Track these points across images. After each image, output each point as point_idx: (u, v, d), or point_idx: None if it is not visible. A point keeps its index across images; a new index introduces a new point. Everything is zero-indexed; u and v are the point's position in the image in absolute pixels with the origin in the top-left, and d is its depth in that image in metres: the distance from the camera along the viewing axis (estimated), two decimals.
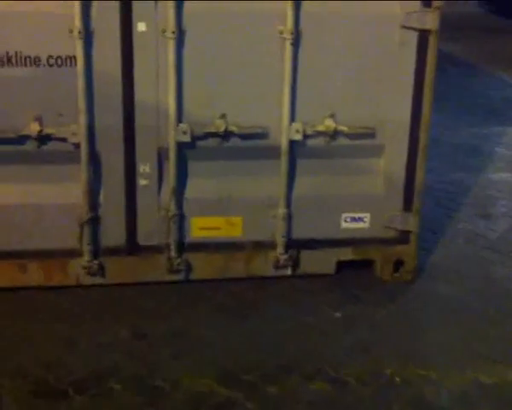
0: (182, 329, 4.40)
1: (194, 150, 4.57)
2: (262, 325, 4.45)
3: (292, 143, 4.60)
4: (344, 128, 4.61)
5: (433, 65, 4.57)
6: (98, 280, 4.72)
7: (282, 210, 4.74)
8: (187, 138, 4.48)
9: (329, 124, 4.60)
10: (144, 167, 4.55)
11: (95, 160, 4.49)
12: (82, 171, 4.46)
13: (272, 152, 4.62)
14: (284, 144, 4.59)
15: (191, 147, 4.56)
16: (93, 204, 4.55)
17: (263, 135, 4.57)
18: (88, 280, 4.71)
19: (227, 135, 4.53)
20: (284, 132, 4.57)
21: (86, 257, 4.64)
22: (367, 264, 5.06)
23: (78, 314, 4.51)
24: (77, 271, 4.69)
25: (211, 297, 4.75)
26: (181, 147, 4.52)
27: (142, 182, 4.57)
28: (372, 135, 4.69)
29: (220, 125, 4.48)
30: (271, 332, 4.39)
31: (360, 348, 4.28)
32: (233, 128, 4.50)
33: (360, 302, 4.76)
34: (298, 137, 4.58)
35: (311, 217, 4.82)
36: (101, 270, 4.70)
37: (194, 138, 4.51)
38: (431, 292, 4.94)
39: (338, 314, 4.62)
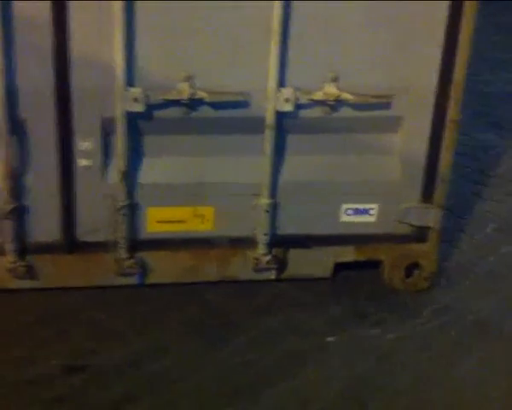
0: (139, 356, 3.38)
1: (149, 122, 3.47)
2: (236, 355, 3.42)
3: (280, 114, 3.49)
4: (349, 96, 3.49)
5: (472, 16, 3.41)
6: (28, 284, 3.67)
7: (265, 199, 3.65)
8: (139, 107, 3.36)
9: (330, 90, 3.48)
10: (84, 144, 3.45)
11: (18, 132, 3.37)
12: (1, 146, 3.34)
13: (254, 126, 3.53)
14: (270, 116, 3.47)
15: (146, 118, 3.45)
16: (17, 190, 3.45)
17: (242, 104, 3.45)
18: (14, 284, 3.65)
19: (194, 103, 3.41)
20: (270, 101, 3.45)
21: (10, 256, 3.56)
22: (372, 267, 4.00)
23: None
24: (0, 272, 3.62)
25: (179, 309, 3.71)
26: (132, 118, 3.42)
27: (81, 162, 3.48)
28: (387, 105, 3.58)
29: (184, 91, 3.37)
30: (242, 368, 3.35)
31: (357, 396, 3.23)
32: (202, 94, 3.39)
33: (361, 321, 3.72)
34: (288, 107, 3.46)
35: (303, 208, 3.77)
36: (31, 272, 3.63)
37: (150, 107, 3.39)
38: (457, 307, 3.88)
39: (330, 339, 3.57)
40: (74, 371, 3.25)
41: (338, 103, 3.51)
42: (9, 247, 3.55)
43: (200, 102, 3.41)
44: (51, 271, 3.69)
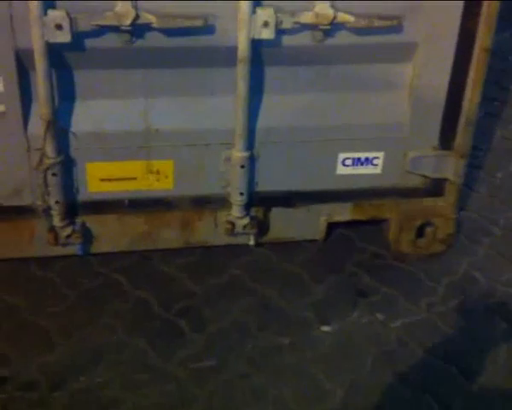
0: (63, 366, 2.62)
1: (80, 56, 2.59)
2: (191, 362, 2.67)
3: (256, 43, 2.58)
4: (348, 18, 2.58)
5: None
6: None
7: (239, 152, 2.82)
8: (64, 36, 2.45)
9: (323, 10, 2.56)
10: None
11: None
12: None
13: (222, 58, 2.65)
14: (243, 47, 2.59)
15: (75, 50, 2.54)
16: None
17: (203, 30, 2.53)
18: None
19: (138, 29, 2.50)
20: (242, 26, 2.54)
21: None
22: (374, 227, 3.21)
23: None
24: None
25: (125, 291, 2.95)
26: (56, 50, 2.51)
27: None
28: (397, 28, 2.67)
29: (125, 13, 2.45)
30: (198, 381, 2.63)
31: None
32: (148, 18, 2.47)
33: (359, 302, 2.95)
34: (267, 33, 2.57)
35: (289, 160, 2.94)
36: None
37: (79, 36, 2.49)
38: (481, 279, 3.11)
39: (326, 328, 2.83)
40: None
41: (333, 27, 2.62)
42: None
43: (147, 27, 2.51)
44: None
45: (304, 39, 2.65)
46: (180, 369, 2.63)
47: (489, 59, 2.79)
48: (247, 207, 2.98)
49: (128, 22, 2.46)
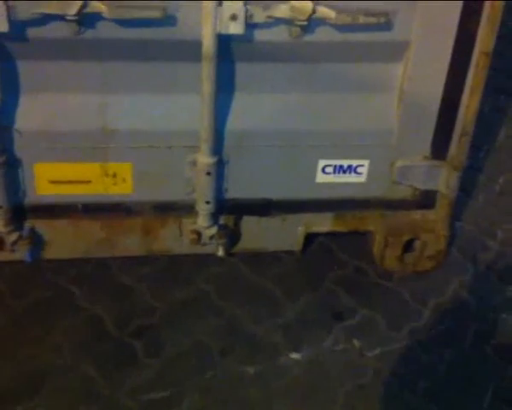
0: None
1: (22, 46, 2.27)
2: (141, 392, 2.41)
3: (224, 38, 2.26)
4: (330, 13, 2.26)
5: None
6: None
7: (204, 158, 2.51)
8: (1, 26, 2.14)
9: (301, 4, 2.23)
10: None
11: None
12: None
13: (186, 52, 2.33)
14: (207, 43, 2.27)
15: (15, 40, 2.23)
16: None
17: (163, 22, 2.22)
18: None
19: (88, 19, 2.18)
20: (207, 19, 2.21)
21: None
22: (360, 238, 2.92)
23: None
24: None
25: (78, 305, 2.68)
26: None
27: None
28: (386, 25, 2.34)
29: (72, 2, 2.13)
30: None
31: None
32: (98, 7, 2.15)
33: (334, 325, 2.68)
34: (235, 28, 2.25)
35: (262, 167, 2.62)
36: None
37: (19, 25, 2.17)
38: (473, 302, 2.81)
39: (296, 355, 2.56)
40: None
41: (313, 23, 2.29)
42: None
43: (97, 17, 2.20)
44: None
45: (279, 35, 2.33)
46: (129, 400, 2.36)
47: (489, 62, 2.46)
48: (215, 215, 2.69)
49: (73, 12, 2.15)
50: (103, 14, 2.18)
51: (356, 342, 2.60)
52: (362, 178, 2.72)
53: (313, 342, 2.60)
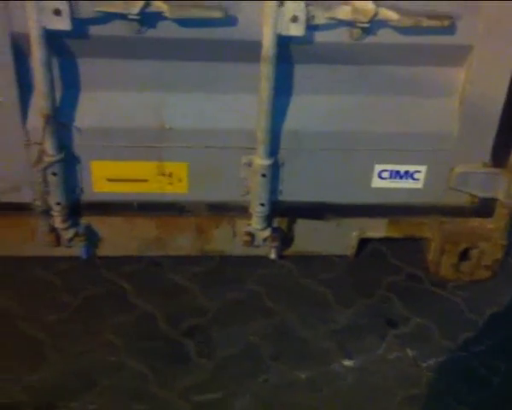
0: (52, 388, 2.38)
1: (83, 44, 2.29)
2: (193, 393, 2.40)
3: (284, 39, 2.24)
4: (392, 15, 2.22)
5: None
6: None
7: (260, 159, 2.49)
8: (63, 23, 2.16)
9: (363, 6, 2.20)
10: None
11: None
12: None
13: (245, 52, 2.32)
14: (267, 44, 2.25)
15: (76, 38, 2.25)
16: None
17: (224, 22, 2.20)
18: None
19: (149, 18, 2.18)
20: (268, 20, 2.19)
21: None
22: (414, 244, 2.87)
23: None
24: None
25: (130, 302, 2.69)
26: (56, 38, 2.22)
27: None
28: (449, 29, 2.28)
29: (135, 1, 2.13)
30: None
31: None
32: (160, 6, 2.15)
33: (386, 333, 2.63)
34: (296, 30, 2.22)
35: (318, 170, 2.59)
36: None
37: (81, 23, 2.18)
38: None
39: (349, 362, 2.52)
40: None
41: (374, 25, 2.25)
42: None
43: (159, 17, 2.20)
44: None
45: (339, 36, 2.30)
46: (181, 400, 2.35)
47: None
48: (269, 217, 2.67)
49: (136, 10, 2.15)
50: (164, 14, 2.17)
51: (409, 351, 2.55)
52: (419, 184, 2.67)
53: (366, 349, 2.56)
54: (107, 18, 2.20)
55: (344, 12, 2.21)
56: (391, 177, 2.65)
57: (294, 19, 2.20)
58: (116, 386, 2.39)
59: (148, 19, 2.20)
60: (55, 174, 2.47)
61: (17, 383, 2.36)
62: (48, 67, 2.26)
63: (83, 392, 2.36)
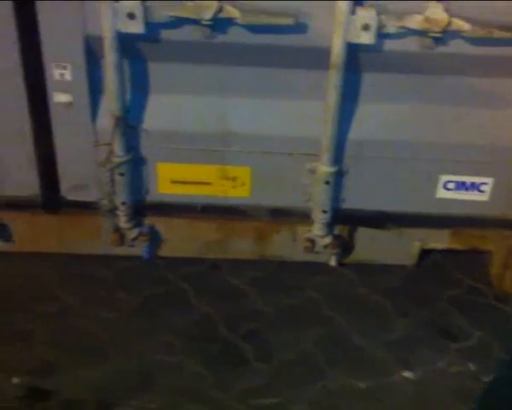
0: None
1: (155, 48, 2.32)
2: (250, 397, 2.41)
3: (353, 47, 2.23)
4: (465, 25, 2.18)
5: None
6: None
7: (324, 167, 2.49)
8: (137, 27, 2.19)
9: (436, 15, 2.17)
10: (62, 71, 2.33)
11: None
12: None
13: (312, 59, 2.32)
14: (337, 51, 2.24)
15: (149, 41, 2.28)
16: None
17: (294, 29, 2.21)
18: None
19: (220, 24, 2.19)
20: (338, 28, 2.19)
21: None
22: (476, 257, 2.82)
23: None
24: None
25: (190, 303, 2.71)
26: (128, 41, 2.26)
27: (59, 97, 2.40)
28: None
29: (207, 7, 2.15)
30: None
31: None
32: (232, 13, 2.17)
33: (446, 346, 2.59)
34: (366, 38, 2.21)
35: (381, 178, 2.57)
36: (3, 232, 2.71)
37: (153, 27, 2.21)
38: None
39: (408, 374, 2.49)
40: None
41: (446, 35, 2.23)
42: None
43: (230, 22, 2.21)
44: (28, 232, 2.74)
45: (409, 46, 2.28)
46: (238, 403, 2.36)
47: None
48: (331, 224, 2.67)
49: (209, 16, 2.17)
50: (236, 20, 2.19)
51: (471, 366, 2.51)
52: (484, 197, 2.63)
53: (425, 361, 2.53)
54: (180, 23, 2.22)
55: (416, 21, 2.19)
56: (456, 188, 2.61)
57: (365, 27, 2.19)
58: (175, 386, 2.41)
59: (219, 24, 2.22)
60: (122, 174, 2.51)
61: (79, 380, 2.40)
62: (119, 69, 2.30)
63: (142, 391, 2.38)
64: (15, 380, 2.39)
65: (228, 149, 2.52)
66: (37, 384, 2.38)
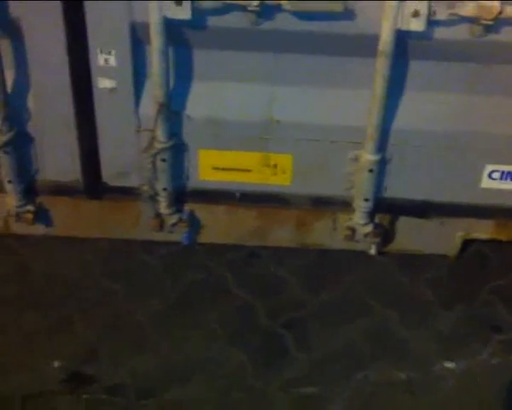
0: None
1: (200, 34, 2.29)
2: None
3: (402, 34, 2.18)
4: None
5: None
6: (38, 230, 2.74)
7: (368, 154, 2.46)
8: (183, 13, 2.17)
9: (488, 4, 2.12)
10: (107, 57, 2.31)
11: (10, 34, 2.30)
12: None
13: (358, 47, 2.29)
14: (386, 38, 2.21)
15: (195, 28, 2.26)
16: (16, 115, 2.43)
17: (342, 16, 2.17)
18: (20, 229, 2.74)
19: (267, 11, 2.16)
20: (388, 15, 2.15)
21: (12, 198, 2.63)
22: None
23: None
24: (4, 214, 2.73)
25: (230, 291, 2.70)
26: (175, 27, 2.23)
27: (103, 83, 2.39)
28: None
29: None
30: None
31: None
32: (279, 0, 2.13)
33: (496, 336, 2.57)
34: (416, 25, 2.16)
35: (426, 167, 2.53)
36: (44, 217, 2.70)
37: (200, 13, 2.19)
38: None
39: (450, 365, 2.47)
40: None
41: (497, 23, 2.18)
42: (11, 187, 2.60)
43: (277, 9, 2.18)
44: (70, 217, 2.75)
45: (459, 33, 2.23)
46: (280, 392, 2.36)
47: None
48: (372, 213, 2.64)
49: (256, 2, 2.14)
50: (284, 6, 2.15)
51: None
52: None
53: (468, 353, 2.51)
54: (227, 9, 2.19)
55: (467, 9, 2.14)
56: (502, 178, 2.57)
57: (415, 13, 2.15)
58: (216, 374, 2.41)
59: (266, 11, 2.18)
60: (164, 160, 2.49)
61: (121, 366, 2.41)
62: (165, 56, 2.28)
63: (184, 379, 2.39)
64: (56, 364, 2.40)
65: (271, 136, 2.50)
66: (80, 369, 2.39)
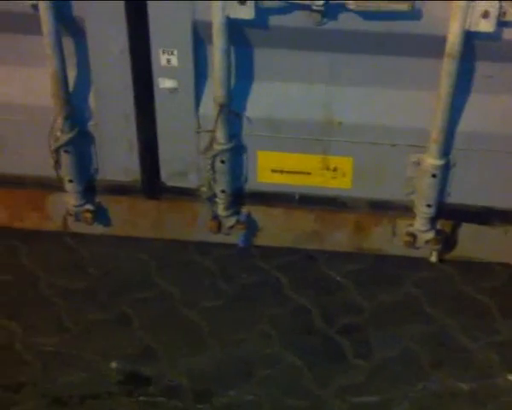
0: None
1: (263, 34, 2.27)
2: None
3: (470, 35, 2.12)
4: None
5: None
6: (96, 229, 2.75)
7: (432, 159, 2.41)
8: (247, 13, 2.15)
9: None
10: (169, 57, 2.31)
11: (74, 34, 2.31)
12: (48, 55, 2.31)
13: (424, 48, 2.23)
14: (453, 39, 2.16)
15: (257, 27, 2.24)
16: (75, 116, 2.44)
17: (409, 15, 2.12)
18: (78, 227, 2.76)
19: (333, 9, 2.13)
20: (456, 15, 2.09)
21: (72, 197, 2.64)
22: None
23: None
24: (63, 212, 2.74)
25: (285, 294, 2.67)
26: (237, 27, 2.22)
27: (164, 83, 2.38)
28: None
29: None
30: None
31: None
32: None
33: None
34: (486, 26, 2.11)
35: (491, 173, 2.46)
36: (103, 216, 2.71)
37: (263, 13, 2.17)
38: None
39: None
40: None
41: None
42: (71, 186, 2.61)
43: (342, 8, 2.14)
44: (127, 216, 2.75)
45: None
46: (337, 400, 2.31)
47: None
48: (434, 219, 2.58)
49: (321, 1, 2.11)
50: (349, 6, 2.12)
51: None
52: None
53: None
54: (290, 8, 2.17)
55: None
56: None
57: (485, 14, 2.09)
58: (272, 378, 2.38)
59: (330, 10, 2.15)
60: (223, 162, 2.48)
61: (177, 367, 2.39)
62: (227, 55, 2.26)
63: (240, 381, 2.36)
64: (114, 365, 2.40)
65: (331, 138, 2.46)
66: (137, 370, 2.38)
